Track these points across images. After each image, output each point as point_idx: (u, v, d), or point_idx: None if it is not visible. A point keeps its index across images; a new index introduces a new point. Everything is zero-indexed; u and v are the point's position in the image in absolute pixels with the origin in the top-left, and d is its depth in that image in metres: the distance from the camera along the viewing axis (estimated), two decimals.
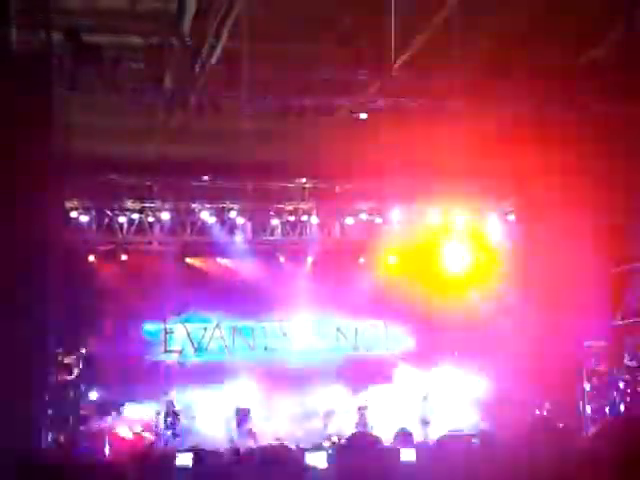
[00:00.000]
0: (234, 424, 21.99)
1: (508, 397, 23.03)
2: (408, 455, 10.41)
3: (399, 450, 10.57)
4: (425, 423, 21.93)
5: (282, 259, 24.77)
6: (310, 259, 24.85)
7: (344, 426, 22.24)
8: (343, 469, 6.93)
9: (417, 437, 20.97)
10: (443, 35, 17.37)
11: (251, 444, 20.42)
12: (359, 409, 22.35)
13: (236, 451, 17.92)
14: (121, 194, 23.20)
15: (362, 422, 22.02)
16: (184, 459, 11.15)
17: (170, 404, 21.66)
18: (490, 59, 18.25)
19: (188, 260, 24.20)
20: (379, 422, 21.83)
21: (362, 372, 23.96)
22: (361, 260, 25.02)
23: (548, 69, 18.63)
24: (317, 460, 10.16)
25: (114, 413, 21.86)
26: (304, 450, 11.64)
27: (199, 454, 10.68)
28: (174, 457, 11.58)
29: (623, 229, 21.40)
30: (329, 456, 10.93)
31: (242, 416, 22.12)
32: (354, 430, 21.44)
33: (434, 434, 20.69)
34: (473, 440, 13.42)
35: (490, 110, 19.63)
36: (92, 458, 18.19)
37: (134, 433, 21.68)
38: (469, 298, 24.79)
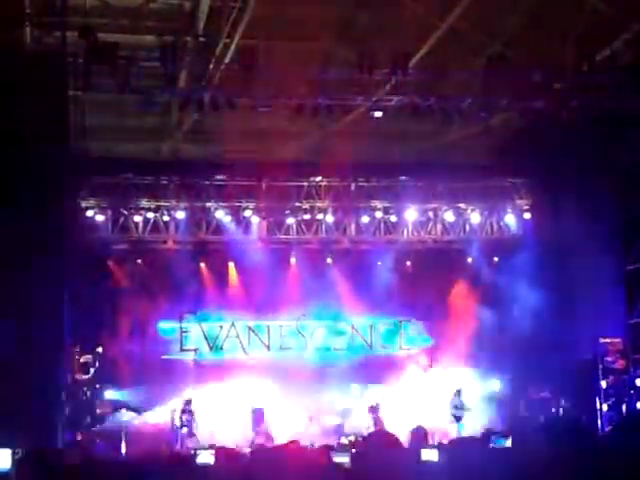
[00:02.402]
0: (250, 424, 22.02)
1: (525, 395, 23.00)
2: (430, 455, 10.27)
3: (420, 450, 10.43)
4: (457, 419, 21.92)
5: (297, 258, 24.71)
6: (326, 257, 24.80)
7: (360, 424, 22.24)
8: (363, 467, 6.90)
9: (450, 433, 21.00)
10: (456, 34, 17.42)
11: (265, 443, 20.43)
12: (371, 410, 22.30)
13: (254, 450, 17.87)
14: (136, 193, 23.25)
15: (374, 422, 21.96)
16: (205, 457, 11.11)
17: (186, 403, 21.70)
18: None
19: (203, 258, 24.17)
20: (395, 420, 21.75)
21: (378, 370, 23.91)
22: (377, 258, 24.93)
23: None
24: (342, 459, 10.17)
25: (130, 412, 21.91)
26: (328, 448, 11.63)
27: (221, 452, 10.65)
28: (195, 455, 11.55)
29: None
30: (352, 455, 10.92)
31: (257, 416, 22.15)
32: (370, 429, 21.39)
33: (466, 430, 20.79)
34: (503, 440, 13.40)
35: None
36: (110, 456, 18.23)
37: (150, 431, 21.72)
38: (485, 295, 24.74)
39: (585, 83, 18.55)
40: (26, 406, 15.19)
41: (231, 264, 24.27)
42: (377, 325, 25.14)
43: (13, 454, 11.44)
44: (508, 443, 13.48)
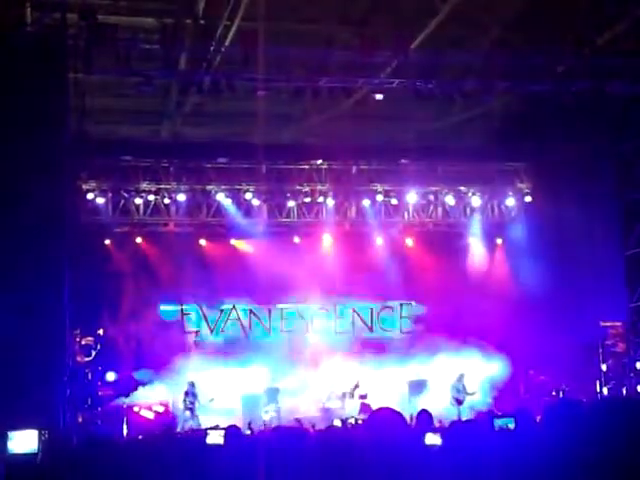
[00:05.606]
0: (264, 403, 21.97)
1: (526, 378, 23.05)
2: (433, 439, 10.21)
3: (424, 434, 10.37)
4: (459, 402, 21.96)
5: (298, 241, 24.72)
6: (326, 241, 24.79)
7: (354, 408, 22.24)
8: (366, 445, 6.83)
9: (451, 416, 21.00)
10: (458, 17, 17.33)
11: (273, 423, 20.50)
12: (360, 397, 22.30)
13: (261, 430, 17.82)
14: (137, 175, 23.23)
15: (363, 410, 21.89)
16: (215, 437, 11.06)
17: (188, 385, 21.73)
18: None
19: (204, 242, 24.19)
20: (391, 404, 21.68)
21: (377, 353, 23.90)
22: (378, 242, 24.93)
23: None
24: None
25: (131, 394, 21.94)
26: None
27: (230, 432, 10.61)
28: (205, 435, 11.52)
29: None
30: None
31: (271, 395, 22.11)
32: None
33: (467, 414, 20.82)
34: (506, 422, 13.41)
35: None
36: (115, 438, 18.27)
37: (152, 413, 21.76)
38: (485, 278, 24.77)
39: (586, 67, 18.49)
40: (28, 388, 15.22)
41: (232, 247, 24.30)
42: (377, 308, 25.17)
43: (40, 435, 11.45)
44: (511, 424, 13.50)
